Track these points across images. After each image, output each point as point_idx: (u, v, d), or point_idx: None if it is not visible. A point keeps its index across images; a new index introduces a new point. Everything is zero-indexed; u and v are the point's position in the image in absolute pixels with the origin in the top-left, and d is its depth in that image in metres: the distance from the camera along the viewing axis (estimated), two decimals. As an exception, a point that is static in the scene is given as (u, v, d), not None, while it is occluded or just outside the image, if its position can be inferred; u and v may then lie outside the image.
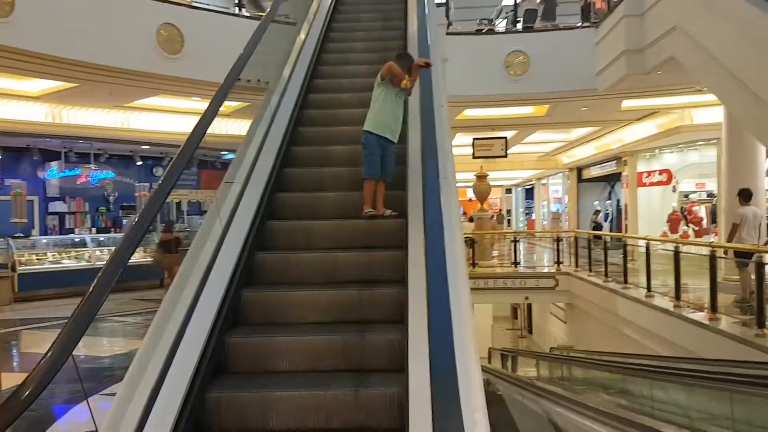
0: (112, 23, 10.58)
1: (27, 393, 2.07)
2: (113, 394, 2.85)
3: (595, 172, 22.74)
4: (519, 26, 13.98)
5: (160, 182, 3.44)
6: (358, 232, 4.42)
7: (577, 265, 14.47)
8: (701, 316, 8.46)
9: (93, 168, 18.34)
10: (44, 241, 16.67)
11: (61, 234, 17.88)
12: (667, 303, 9.48)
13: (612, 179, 22.63)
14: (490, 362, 14.26)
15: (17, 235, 15.86)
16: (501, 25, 15.25)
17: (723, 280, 9.31)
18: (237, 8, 12.98)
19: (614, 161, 20.42)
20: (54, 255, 16.03)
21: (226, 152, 19.08)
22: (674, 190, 18.44)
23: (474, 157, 16.79)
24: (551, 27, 13.53)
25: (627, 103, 14.12)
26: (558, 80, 12.74)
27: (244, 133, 5.23)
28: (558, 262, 14.78)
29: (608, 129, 18.24)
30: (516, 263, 15.15)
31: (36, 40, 9.61)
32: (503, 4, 16.48)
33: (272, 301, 3.80)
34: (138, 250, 13.38)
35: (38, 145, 17.05)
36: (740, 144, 10.81)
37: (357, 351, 3.32)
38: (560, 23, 13.83)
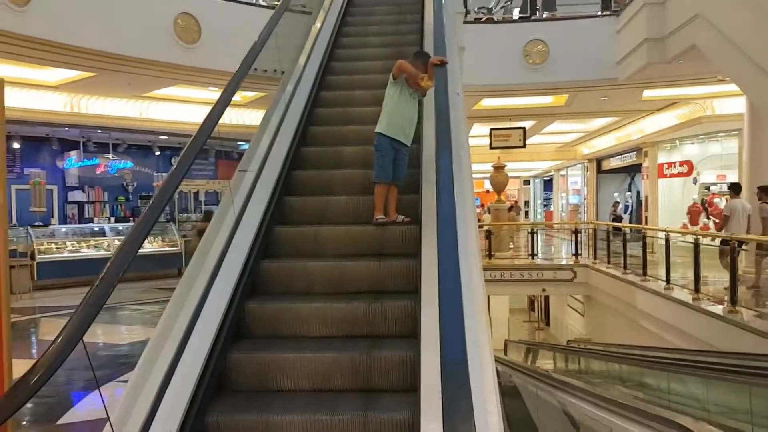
0: (128, 13, 10.61)
1: (36, 378, 2.04)
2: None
3: (615, 163, 22.49)
4: (536, 14, 13.79)
5: (171, 171, 3.32)
6: (369, 239, 4.20)
7: (595, 257, 14.33)
8: (721, 309, 8.34)
9: (111, 158, 18.49)
10: (63, 230, 16.84)
11: (80, 223, 18.05)
12: (686, 296, 9.35)
13: (632, 170, 22.37)
14: (506, 354, 14.19)
15: (36, 224, 16.04)
16: (499, 14, 14.98)
17: (743, 273, 9.16)
18: (254, -2, 12.96)
19: (634, 152, 20.19)
20: (73, 244, 16.19)
21: (244, 142, 19.12)
22: (695, 182, 18.17)
23: (491, 148, 16.67)
24: (565, 16, 13.37)
25: (648, 93, 13.93)
26: (578, 69, 12.58)
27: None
28: (576, 254, 14.65)
29: (628, 119, 18.03)
30: (533, 255, 15.03)
31: (52, 29, 9.65)
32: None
33: (277, 315, 3.59)
34: (156, 239, 13.43)
35: (57, 135, 17.19)
36: (762, 135, 10.58)
37: (365, 370, 3.13)
38: (579, 12, 13.65)
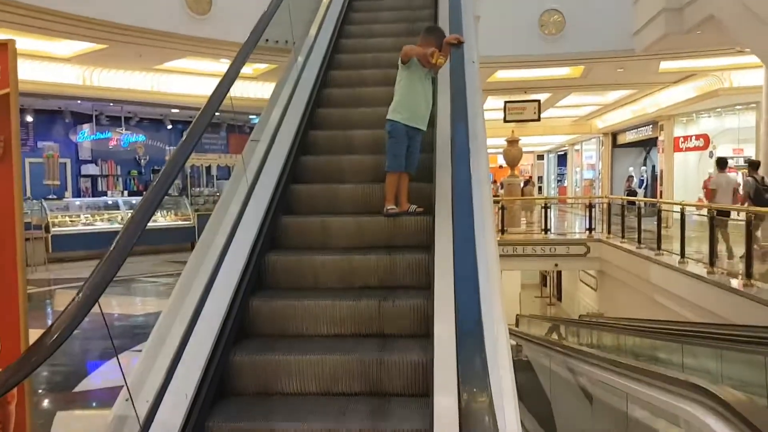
0: (139, -17, 10.52)
1: (53, 338, 2.03)
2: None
3: (630, 137, 22.25)
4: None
5: (181, 142, 3.24)
6: (380, 229, 3.95)
7: (609, 232, 14.24)
8: (736, 283, 8.27)
9: (124, 131, 18.52)
10: (77, 203, 16.95)
11: (93, 197, 18.16)
12: (701, 269, 9.29)
13: (648, 144, 22.13)
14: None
15: (50, 197, 16.14)
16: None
17: (759, 247, 9.07)
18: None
19: (650, 126, 19.96)
20: (87, 217, 16.29)
21: (255, 116, 19.07)
22: (711, 156, 17.94)
23: (505, 121, 16.52)
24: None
25: (665, 65, 13.71)
26: (594, 40, 12.36)
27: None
28: (590, 229, 14.56)
29: (645, 92, 17.79)
30: (546, 230, 14.96)
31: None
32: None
33: (283, 312, 3.35)
34: (169, 213, 13.49)
35: (70, 108, 17.22)
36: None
37: (376, 373, 2.91)
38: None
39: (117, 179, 19.26)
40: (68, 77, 13.84)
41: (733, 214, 9.73)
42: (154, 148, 19.77)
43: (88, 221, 16.18)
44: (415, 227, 3.88)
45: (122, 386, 2.49)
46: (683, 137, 18.51)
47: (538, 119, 16.67)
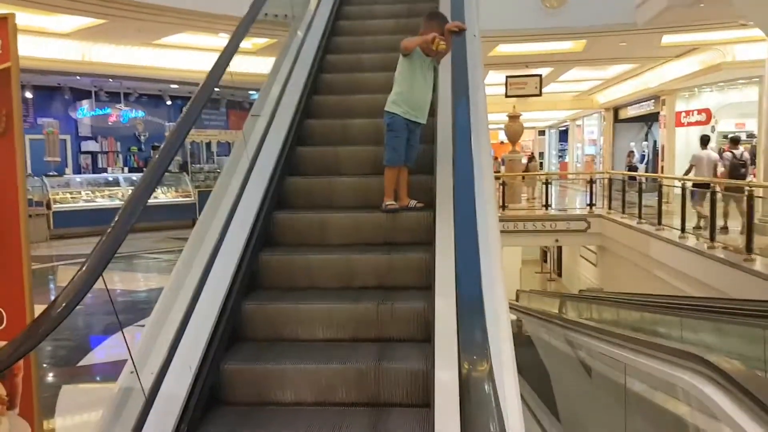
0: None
1: (60, 309, 2.04)
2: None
3: (632, 112, 22.14)
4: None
5: (180, 119, 3.20)
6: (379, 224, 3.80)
7: (610, 207, 14.25)
8: (736, 257, 8.30)
9: (123, 107, 18.45)
10: (78, 179, 16.96)
11: (93, 173, 18.15)
12: (701, 244, 9.32)
13: (649, 119, 22.03)
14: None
15: (51, 173, 16.13)
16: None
17: (759, 222, 9.09)
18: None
19: (652, 100, 19.85)
20: (88, 193, 16.32)
21: (254, 92, 18.98)
22: (713, 131, 17.88)
23: (507, 96, 16.42)
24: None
25: (667, 39, 13.59)
26: (596, 14, 12.21)
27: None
28: (591, 205, 14.58)
29: (647, 66, 17.65)
30: (547, 206, 14.97)
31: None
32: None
33: (276, 315, 3.20)
34: (170, 190, 13.46)
35: (69, 84, 17.13)
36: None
37: (373, 382, 2.75)
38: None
39: (117, 156, 19.24)
40: (67, 53, 13.74)
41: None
42: (153, 124, 19.70)
43: (89, 198, 16.21)
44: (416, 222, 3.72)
45: (125, 360, 2.53)
46: (685, 112, 18.43)
47: (540, 94, 16.57)
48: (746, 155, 11.39)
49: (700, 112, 18.05)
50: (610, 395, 4.66)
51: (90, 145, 18.64)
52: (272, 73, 4.92)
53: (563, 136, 33.47)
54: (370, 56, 5.55)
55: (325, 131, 4.71)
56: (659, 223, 11.14)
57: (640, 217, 12.15)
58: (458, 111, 3.03)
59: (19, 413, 3.05)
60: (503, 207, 14.54)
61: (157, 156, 2.87)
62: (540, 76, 16.41)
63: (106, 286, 2.24)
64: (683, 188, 10.54)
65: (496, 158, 22.77)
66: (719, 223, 9.38)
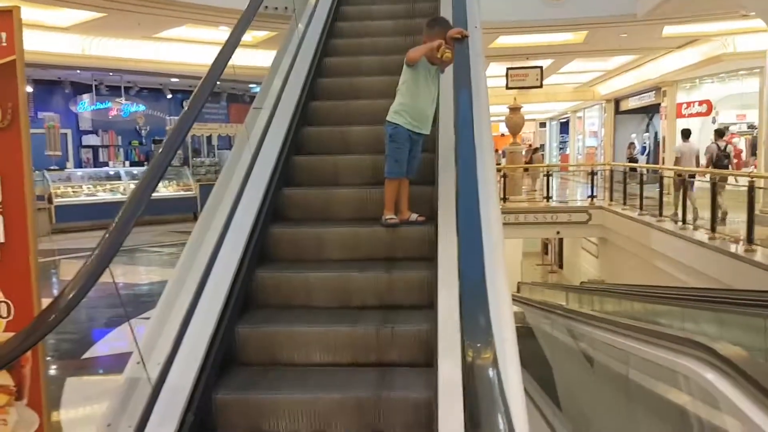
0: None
1: (67, 300, 2.05)
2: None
3: (633, 103, 22.12)
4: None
5: (183, 112, 3.19)
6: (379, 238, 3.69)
7: (611, 199, 14.26)
8: (737, 248, 8.32)
9: (124, 101, 18.44)
10: (79, 173, 16.94)
11: (95, 167, 18.15)
12: (702, 235, 9.33)
13: (650, 111, 22.00)
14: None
15: (52, 167, 16.13)
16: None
17: (760, 213, 9.11)
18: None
19: (653, 92, 19.84)
20: (89, 187, 16.31)
21: (255, 85, 18.94)
22: (714, 122, 17.86)
23: (507, 88, 16.39)
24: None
25: (668, 30, 13.57)
26: (597, 5, 12.20)
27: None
28: (592, 196, 14.58)
29: (648, 58, 17.64)
30: (548, 198, 14.98)
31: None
32: None
33: (271, 340, 3.08)
34: (171, 183, 13.45)
35: (69, 78, 17.12)
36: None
37: (373, 413, 2.65)
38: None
39: (118, 150, 19.22)
40: (67, 47, 13.74)
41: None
42: (154, 118, 19.68)
43: (90, 192, 16.20)
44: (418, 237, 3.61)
45: (129, 353, 2.55)
46: (686, 103, 18.41)
47: (541, 86, 16.56)
48: (730, 147, 12.31)
49: (701, 103, 18.03)
50: (611, 383, 4.69)
51: (91, 139, 18.62)
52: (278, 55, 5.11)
53: (564, 127, 33.42)
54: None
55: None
56: (660, 214, 11.16)
57: (641, 208, 12.17)
58: (461, 101, 3.03)
59: (27, 404, 3.07)
60: (504, 199, 14.54)
61: (161, 148, 2.88)
62: (541, 67, 16.38)
63: (113, 277, 2.26)
64: (684, 179, 10.54)
65: (497, 150, 22.78)
66: (705, 214, 9.60)
